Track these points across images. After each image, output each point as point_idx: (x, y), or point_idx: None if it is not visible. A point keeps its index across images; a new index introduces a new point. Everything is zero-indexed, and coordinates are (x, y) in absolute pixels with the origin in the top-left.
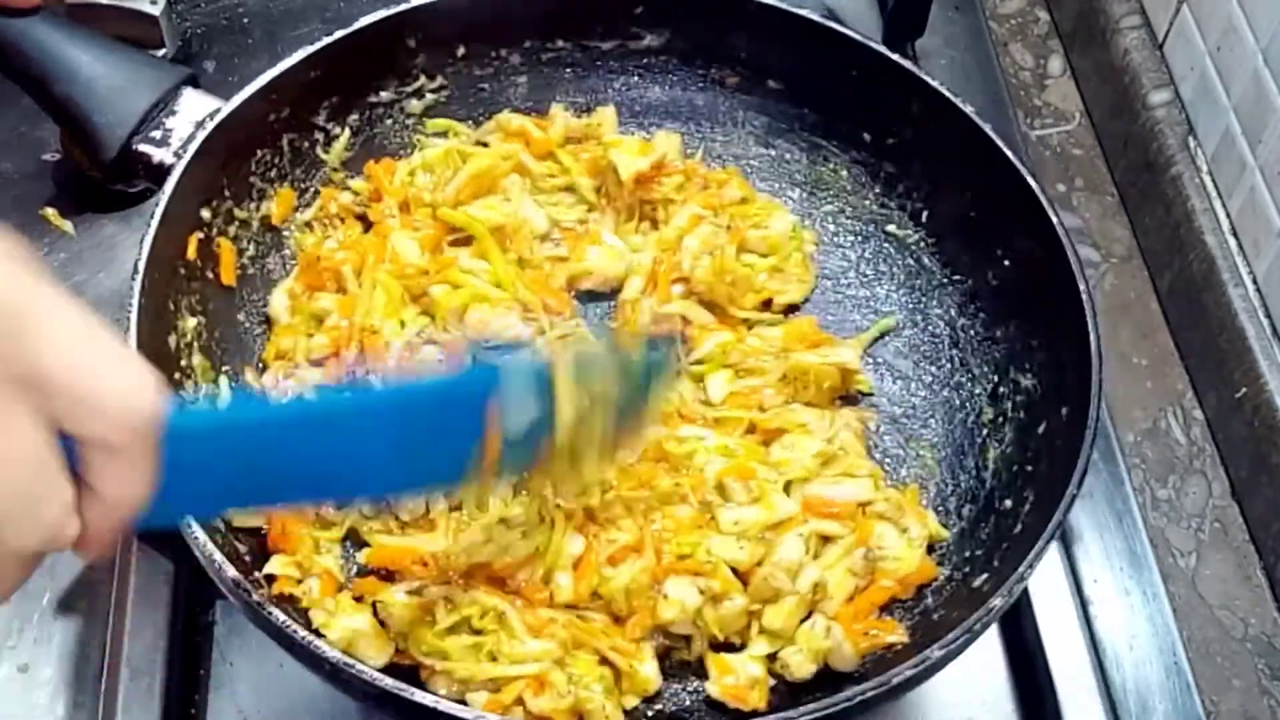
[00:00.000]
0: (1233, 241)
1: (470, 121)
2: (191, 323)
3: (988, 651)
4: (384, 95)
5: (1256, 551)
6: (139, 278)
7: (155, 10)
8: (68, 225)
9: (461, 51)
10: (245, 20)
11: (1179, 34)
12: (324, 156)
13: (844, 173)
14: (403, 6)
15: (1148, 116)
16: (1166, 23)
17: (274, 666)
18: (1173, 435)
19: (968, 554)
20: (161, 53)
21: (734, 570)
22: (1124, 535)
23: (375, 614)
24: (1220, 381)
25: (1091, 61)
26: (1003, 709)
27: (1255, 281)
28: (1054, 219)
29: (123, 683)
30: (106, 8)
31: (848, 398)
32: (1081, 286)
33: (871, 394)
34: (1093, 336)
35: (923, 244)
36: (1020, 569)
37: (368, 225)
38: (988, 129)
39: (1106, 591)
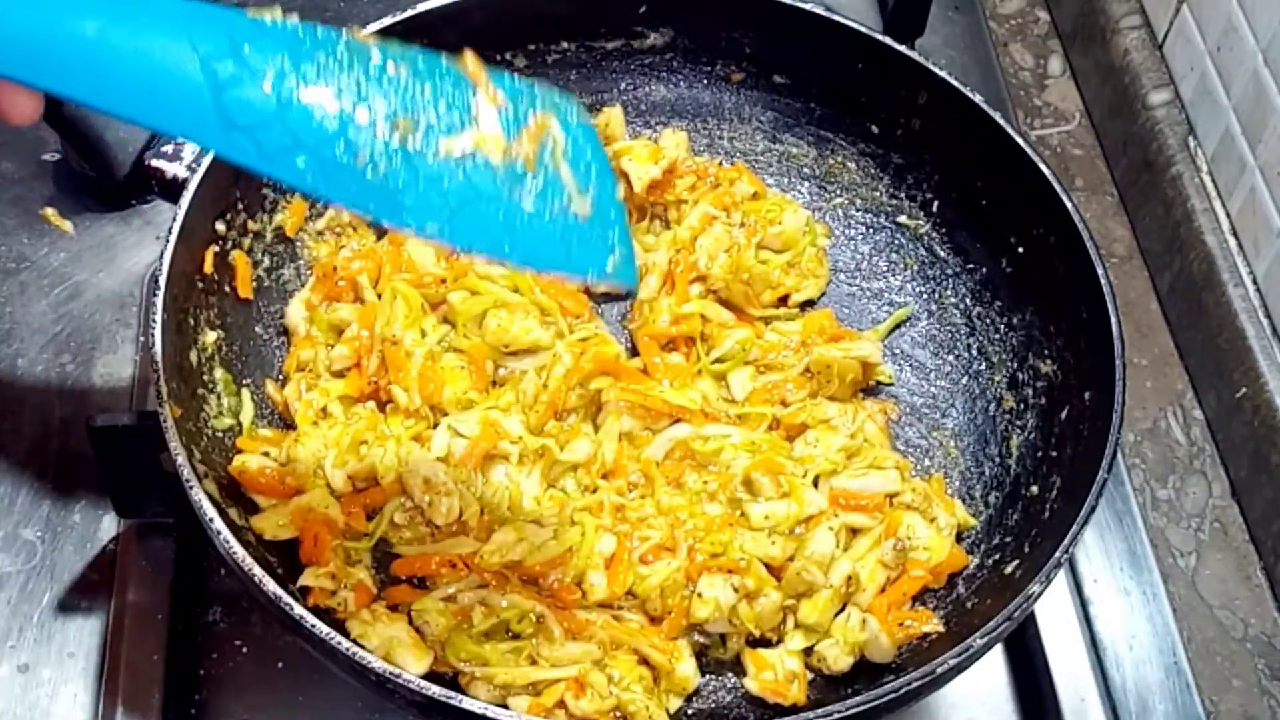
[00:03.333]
0: (1233, 241)
1: None
2: (211, 337)
3: (989, 651)
4: None
5: (1256, 551)
6: (161, 294)
7: None
8: (68, 225)
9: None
10: None
11: (1179, 34)
12: None
13: (853, 165)
14: (408, 13)
15: (1148, 116)
16: (1166, 23)
17: (274, 666)
18: (1173, 435)
19: (997, 541)
20: None
21: (766, 566)
22: (1124, 535)
23: (411, 622)
24: (1220, 381)
25: (1091, 61)
26: (1003, 709)
27: (1255, 281)
28: (1068, 204)
29: (123, 683)
30: None
31: (868, 389)
32: (1099, 269)
33: (892, 384)
34: (1113, 317)
35: (934, 234)
36: (1056, 555)
37: (381, 232)
38: (997, 116)
39: (1106, 591)
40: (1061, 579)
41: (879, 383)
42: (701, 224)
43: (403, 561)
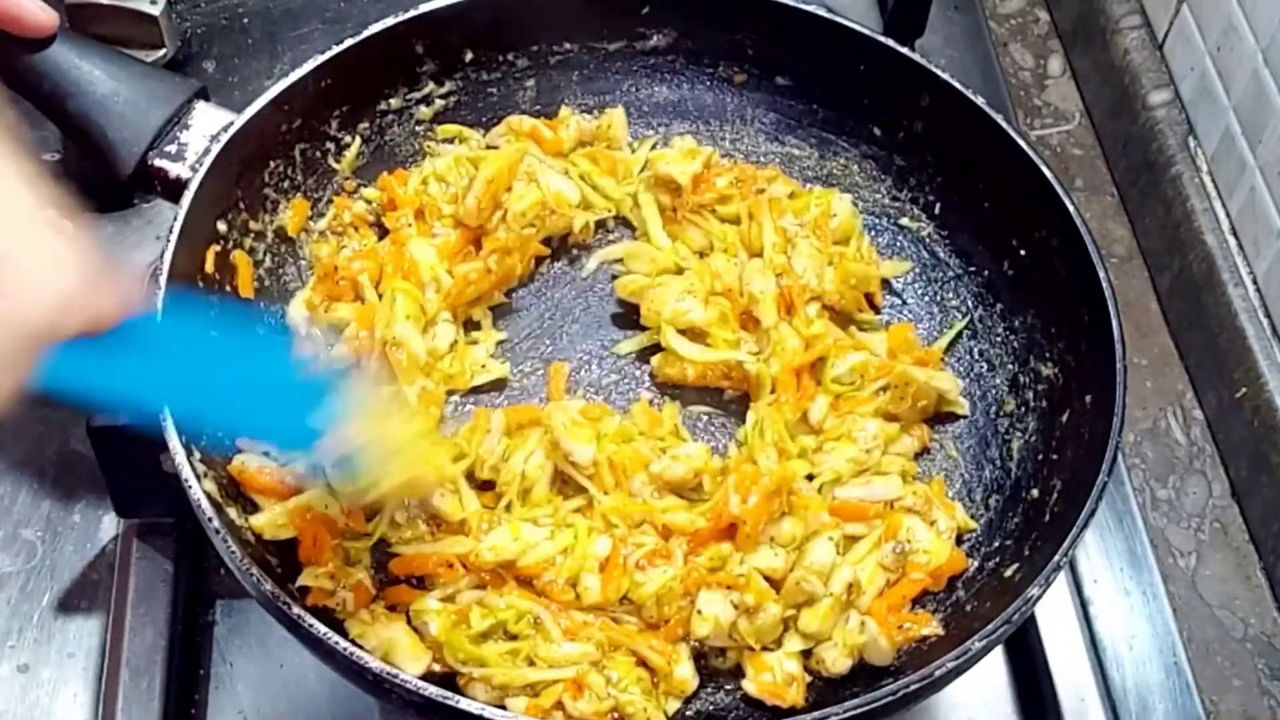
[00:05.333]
0: (1233, 241)
1: (479, 126)
2: None
3: (988, 654)
4: (393, 103)
5: (1256, 551)
6: (162, 294)
7: (155, 10)
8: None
9: (469, 57)
10: (245, 20)
11: (1179, 34)
12: (336, 166)
13: (855, 167)
14: (410, 13)
15: (1148, 116)
16: (1166, 23)
17: (274, 666)
18: (1173, 435)
19: (997, 544)
20: (161, 53)
21: (766, 576)
22: (1124, 535)
23: (409, 622)
24: (1220, 381)
25: (1091, 61)
26: (1003, 709)
27: (1255, 281)
28: (1069, 206)
29: (123, 683)
30: (106, 8)
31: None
32: (1100, 271)
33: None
34: (1114, 321)
35: (936, 236)
36: (1056, 558)
37: (383, 232)
38: (999, 119)
39: (1106, 591)
40: (1061, 579)
41: (950, 413)
42: (783, 240)
43: (401, 561)
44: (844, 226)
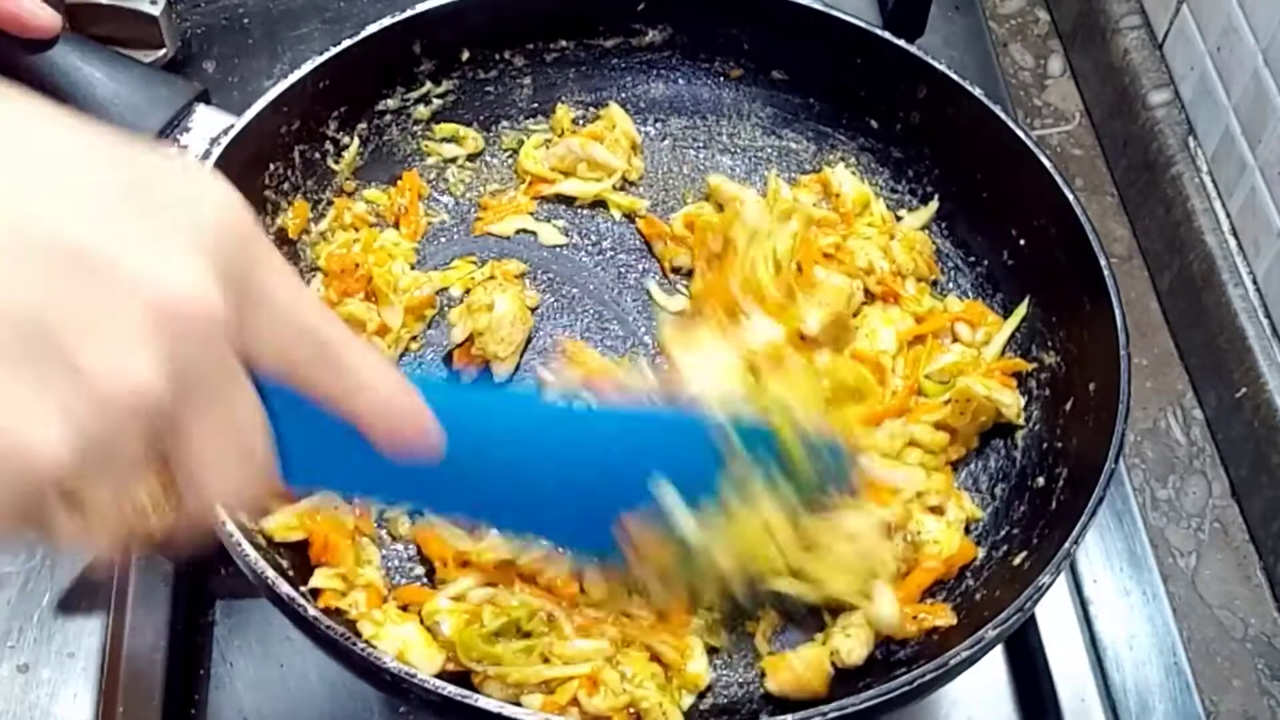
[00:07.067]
0: (1233, 241)
1: (476, 125)
2: None
3: (1000, 643)
4: (390, 103)
5: (1256, 551)
6: None
7: (155, 10)
8: None
9: (466, 55)
10: (245, 20)
11: (1179, 34)
12: (335, 167)
13: (852, 160)
14: (407, 13)
15: (1148, 116)
16: (1166, 23)
17: (274, 666)
18: (1173, 435)
19: (1004, 533)
20: (161, 53)
21: None
22: (1124, 535)
23: (422, 622)
24: (1220, 381)
25: (1091, 61)
26: (1003, 709)
27: (1255, 281)
28: (1068, 194)
29: (123, 683)
30: (106, 8)
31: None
32: (1100, 259)
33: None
34: (1116, 307)
35: (935, 228)
36: (1066, 545)
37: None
38: (997, 109)
39: (1106, 591)
40: (1062, 579)
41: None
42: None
43: (420, 531)
44: (858, 196)
